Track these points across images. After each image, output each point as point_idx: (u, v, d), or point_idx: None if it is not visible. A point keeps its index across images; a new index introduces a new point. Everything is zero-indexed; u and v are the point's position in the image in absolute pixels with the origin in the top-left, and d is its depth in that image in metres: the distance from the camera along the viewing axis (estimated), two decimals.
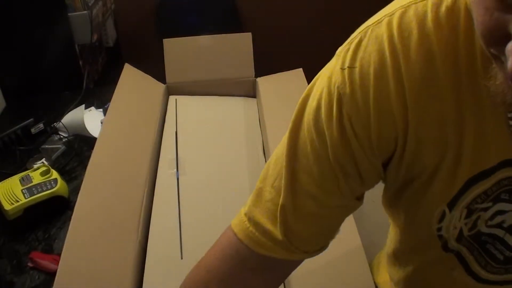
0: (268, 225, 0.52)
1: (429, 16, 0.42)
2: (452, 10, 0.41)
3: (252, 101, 1.24)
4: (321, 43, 2.78)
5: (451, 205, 0.48)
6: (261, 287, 0.56)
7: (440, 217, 0.49)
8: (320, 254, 0.75)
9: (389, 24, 0.44)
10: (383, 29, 0.44)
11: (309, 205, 0.51)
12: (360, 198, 0.53)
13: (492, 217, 0.47)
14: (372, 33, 0.44)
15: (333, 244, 0.77)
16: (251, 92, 1.26)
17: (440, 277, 0.56)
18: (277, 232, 0.52)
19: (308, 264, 0.74)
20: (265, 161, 1.00)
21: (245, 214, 0.55)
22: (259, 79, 1.24)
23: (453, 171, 0.46)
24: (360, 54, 0.45)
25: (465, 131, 0.43)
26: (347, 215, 0.55)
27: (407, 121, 0.43)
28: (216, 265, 0.55)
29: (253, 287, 0.56)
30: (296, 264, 0.58)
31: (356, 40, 0.45)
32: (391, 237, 0.64)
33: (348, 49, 0.46)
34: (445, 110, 0.43)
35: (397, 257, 0.63)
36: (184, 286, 0.59)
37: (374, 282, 0.72)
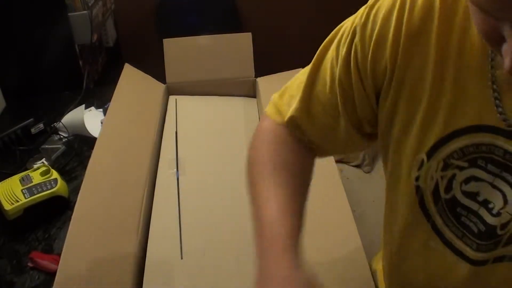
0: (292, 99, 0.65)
1: None
2: None
3: (252, 101, 1.24)
4: (321, 43, 2.79)
5: (429, 154, 0.52)
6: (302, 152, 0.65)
7: (419, 165, 0.53)
8: (320, 253, 0.75)
9: None
10: None
11: (316, 109, 0.61)
12: (364, 138, 0.60)
13: (467, 181, 0.50)
14: None
15: (333, 244, 0.77)
16: (251, 92, 1.26)
17: (419, 250, 0.59)
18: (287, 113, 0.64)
19: (308, 264, 0.74)
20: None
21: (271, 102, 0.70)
22: (259, 79, 1.24)
23: (430, 122, 0.50)
24: None
25: (443, 85, 0.49)
26: (350, 142, 0.61)
27: (396, 60, 0.50)
28: (264, 153, 0.64)
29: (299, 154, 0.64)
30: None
31: None
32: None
33: None
34: (429, 60, 0.49)
35: (385, 231, 0.67)
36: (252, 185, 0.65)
37: (370, 269, 0.73)
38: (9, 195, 0.94)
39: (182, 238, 0.82)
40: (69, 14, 1.41)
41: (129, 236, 0.79)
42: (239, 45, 1.27)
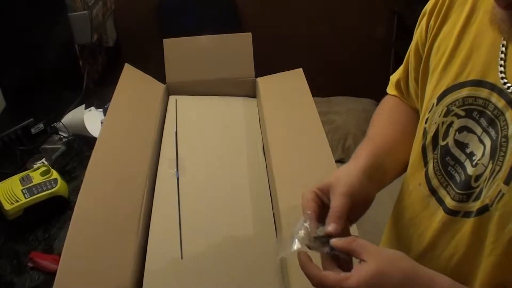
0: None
1: None
2: None
3: (252, 101, 1.24)
4: (321, 43, 2.79)
5: (439, 99, 0.61)
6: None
7: (430, 108, 0.62)
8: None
9: None
10: None
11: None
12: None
13: (461, 130, 0.58)
14: None
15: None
16: (251, 92, 1.26)
17: (411, 191, 0.67)
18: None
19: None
20: (265, 161, 1.00)
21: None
22: (259, 79, 1.24)
23: (446, 71, 0.60)
24: None
25: (464, 41, 0.58)
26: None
27: (439, 15, 0.63)
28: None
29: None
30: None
31: None
32: None
33: None
34: (460, 19, 0.59)
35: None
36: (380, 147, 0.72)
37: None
38: (9, 195, 0.94)
39: (182, 238, 0.82)
40: (69, 14, 1.41)
41: (129, 236, 0.79)
42: (239, 45, 1.27)
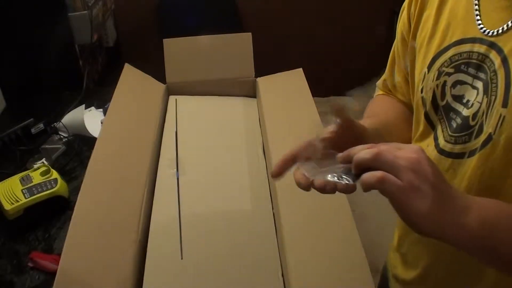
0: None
1: None
2: None
3: (252, 101, 1.24)
4: (321, 43, 2.79)
5: (429, 67, 0.66)
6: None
7: (422, 78, 0.67)
8: (320, 254, 0.75)
9: None
10: None
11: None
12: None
13: (455, 85, 0.63)
14: None
15: (333, 244, 0.77)
16: (251, 92, 1.26)
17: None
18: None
19: (308, 264, 0.74)
20: (265, 161, 1.00)
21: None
22: (259, 79, 1.24)
23: (431, 42, 0.66)
24: None
25: (442, 15, 0.65)
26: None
27: (417, 3, 0.69)
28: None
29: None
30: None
31: None
32: None
33: None
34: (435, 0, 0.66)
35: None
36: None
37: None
38: (9, 195, 0.94)
39: (182, 238, 0.82)
40: (69, 14, 1.41)
41: (129, 236, 0.79)
42: (239, 45, 1.27)
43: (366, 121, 0.72)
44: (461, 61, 0.62)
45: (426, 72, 0.66)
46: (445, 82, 0.64)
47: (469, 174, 0.60)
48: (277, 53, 2.39)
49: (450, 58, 0.63)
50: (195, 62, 1.27)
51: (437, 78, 0.64)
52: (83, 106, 1.31)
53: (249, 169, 0.99)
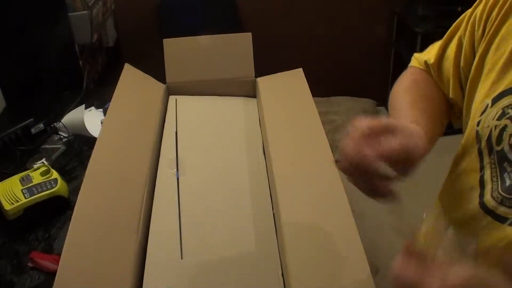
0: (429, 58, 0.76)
1: None
2: None
3: (252, 101, 1.24)
4: (321, 43, 2.79)
5: (494, 101, 0.56)
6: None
7: (483, 109, 0.58)
8: (320, 254, 0.75)
9: None
10: None
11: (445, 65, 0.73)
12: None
13: None
14: None
15: (333, 244, 0.77)
16: (251, 92, 1.26)
17: (461, 191, 0.63)
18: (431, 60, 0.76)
19: (308, 264, 0.74)
20: (265, 161, 1.00)
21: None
22: (259, 79, 1.24)
23: (506, 70, 0.55)
24: None
25: None
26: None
27: (498, 15, 0.59)
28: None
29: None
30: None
31: None
32: None
33: None
34: None
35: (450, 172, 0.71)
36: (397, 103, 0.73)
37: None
38: (9, 195, 0.94)
39: (182, 238, 0.82)
40: (69, 14, 1.41)
41: (129, 236, 0.79)
42: (239, 45, 1.27)
43: (414, 113, 0.66)
44: None
45: (489, 105, 0.56)
46: (505, 126, 0.54)
47: (504, 244, 0.53)
48: (277, 53, 2.39)
49: None
50: (195, 62, 1.27)
51: (498, 118, 0.55)
52: (83, 106, 1.31)
53: (249, 169, 0.99)
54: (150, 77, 1.25)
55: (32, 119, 1.23)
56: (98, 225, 0.79)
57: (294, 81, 1.19)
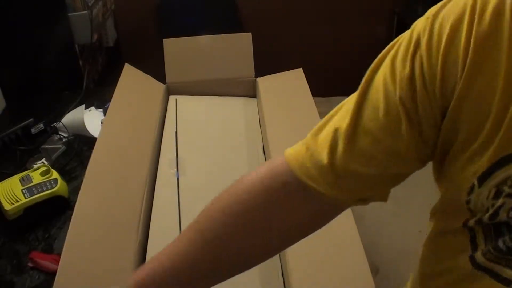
0: (318, 149, 0.54)
1: None
2: None
3: (252, 101, 1.24)
4: (321, 43, 2.79)
5: (481, 180, 0.47)
6: (299, 216, 0.57)
7: (469, 190, 0.48)
8: (320, 253, 0.75)
9: None
10: None
11: (364, 143, 0.52)
12: (420, 157, 0.52)
13: None
14: None
15: (333, 244, 0.77)
16: (251, 92, 1.26)
17: (449, 252, 0.55)
18: (323, 157, 0.53)
19: (308, 264, 0.74)
20: (265, 161, 1.01)
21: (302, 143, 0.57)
22: (259, 79, 1.24)
23: (488, 143, 0.45)
24: (446, 8, 0.48)
25: (510, 104, 0.43)
26: (403, 170, 0.54)
27: (463, 70, 0.45)
28: (256, 188, 0.57)
29: (292, 214, 0.57)
30: (333, 209, 0.58)
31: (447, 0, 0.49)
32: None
33: (438, 5, 0.49)
34: (499, 73, 0.44)
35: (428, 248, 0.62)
36: (213, 210, 0.60)
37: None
38: (9, 195, 0.94)
39: None
40: (69, 14, 1.41)
41: (129, 236, 0.79)
42: (239, 45, 1.27)
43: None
44: None
45: (476, 186, 0.47)
46: (503, 203, 0.46)
47: None
48: (277, 53, 2.39)
49: None
50: (195, 62, 1.27)
51: (495, 197, 0.47)
52: (83, 106, 1.31)
53: (249, 169, 0.99)
54: (150, 77, 1.25)
55: (32, 119, 1.23)
56: (98, 225, 0.79)
57: (294, 81, 1.19)
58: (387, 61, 0.51)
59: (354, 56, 2.83)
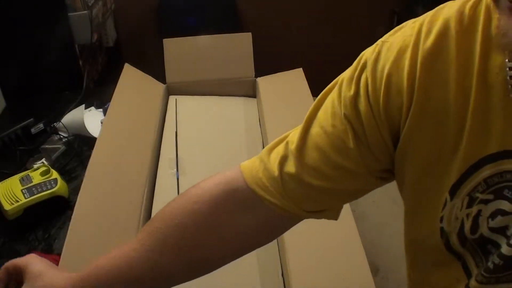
0: (271, 161, 0.55)
1: (460, 7, 0.47)
2: (476, 8, 0.46)
3: (252, 101, 1.24)
4: (321, 43, 2.79)
5: (452, 192, 0.47)
6: (243, 226, 0.56)
7: (442, 205, 0.48)
8: (320, 254, 0.75)
9: (428, 14, 0.49)
10: (421, 18, 0.49)
11: (313, 157, 0.53)
12: (374, 174, 0.53)
13: (494, 216, 0.46)
14: (415, 22, 0.50)
15: (333, 244, 0.77)
16: (251, 92, 1.26)
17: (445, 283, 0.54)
18: (275, 168, 0.54)
19: (308, 264, 0.74)
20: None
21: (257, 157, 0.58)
22: (259, 79, 1.25)
23: (452, 157, 0.46)
24: (396, 34, 0.51)
25: (467, 114, 0.44)
26: (356, 186, 0.54)
27: (412, 93, 0.46)
28: (205, 197, 0.56)
29: (239, 222, 0.56)
30: (284, 220, 0.57)
31: (400, 26, 0.51)
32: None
33: (389, 33, 0.52)
34: (449, 91, 0.45)
35: (408, 264, 0.61)
36: (169, 210, 0.58)
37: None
38: (9, 195, 0.94)
39: None
40: (69, 14, 1.41)
41: (129, 236, 0.79)
42: (239, 45, 1.27)
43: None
44: (503, 185, 0.45)
45: (448, 200, 0.47)
46: (479, 211, 0.46)
47: None
48: (277, 53, 2.39)
49: (485, 181, 0.45)
50: (195, 62, 1.27)
51: (469, 206, 0.47)
52: (83, 106, 1.31)
53: None
54: (150, 77, 1.25)
55: (32, 119, 1.23)
56: (98, 225, 0.79)
57: (294, 81, 1.20)
58: (337, 85, 0.55)
59: (354, 56, 2.82)
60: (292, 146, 0.54)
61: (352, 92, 0.51)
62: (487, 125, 0.44)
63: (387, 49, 0.50)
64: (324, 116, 0.54)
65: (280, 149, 0.56)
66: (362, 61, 0.52)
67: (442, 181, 0.48)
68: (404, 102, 0.47)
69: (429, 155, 0.47)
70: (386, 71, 0.48)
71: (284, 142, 0.57)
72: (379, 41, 0.51)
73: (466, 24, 0.45)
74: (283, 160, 0.54)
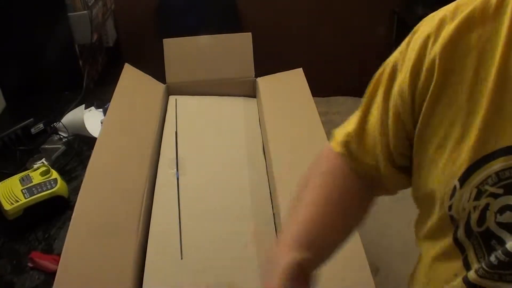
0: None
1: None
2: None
3: (252, 101, 1.24)
4: (321, 43, 2.79)
5: (462, 180, 0.47)
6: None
7: (450, 193, 0.49)
8: None
9: (455, 2, 0.51)
10: (447, 7, 0.52)
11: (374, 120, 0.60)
12: (395, 166, 0.58)
13: (502, 211, 0.45)
14: (441, 10, 0.53)
15: None
16: (251, 92, 1.26)
17: (444, 276, 0.55)
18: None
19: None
20: (265, 161, 1.01)
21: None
22: (259, 79, 1.24)
23: (464, 143, 0.47)
24: (425, 21, 0.54)
25: (481, 103, 0.45)
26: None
27: (432, 76, 0.49)
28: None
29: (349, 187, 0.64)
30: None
31: (432, 14, 0.55)
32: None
33: (421, 21, 0.56)
34: (466, 77, 0.47)
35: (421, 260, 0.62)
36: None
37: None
38: (9, 195, 0.94)
39: (182, 238, 0.82)
40: (69, 14, 1.41)
41: (129, 236, 0.79)
42: (239, 45, 1.27)
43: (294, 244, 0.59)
44: None
45: (458, 187, 0.48)
46: (487, 205, 0.46)
47: None
48: (277, 53, 2.39)
49: (497, 174, 0.45)
50: (195, 62, 1.27)
51: (476, 199, 0.47)
52: (83, 106, 1.31)
53: (249, 169, 0.99)
54: (150, 77, 1.25)
55: (32, 119, 1.23)
56: (98, 225, 0.79)
57: (294, 81, 1.19)
58: (384, 77, 0.59)
59: (354, 56, 2.83)
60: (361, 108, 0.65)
61: (384, 92, 0.57)
62: (503, 116, 0.44)
63: (417, 34, 0.54)
64: (375, 111, 0.60)
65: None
66: (402, 47, 0.57)
67: (453, 166, 0.48)
68: (429, 86, 0.50)
69: (443, 137, 0.49)
70: (414, 56, 0.52)
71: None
72: (411, 33, 0.56)
73: (491, 13, 0.47)
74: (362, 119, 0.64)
